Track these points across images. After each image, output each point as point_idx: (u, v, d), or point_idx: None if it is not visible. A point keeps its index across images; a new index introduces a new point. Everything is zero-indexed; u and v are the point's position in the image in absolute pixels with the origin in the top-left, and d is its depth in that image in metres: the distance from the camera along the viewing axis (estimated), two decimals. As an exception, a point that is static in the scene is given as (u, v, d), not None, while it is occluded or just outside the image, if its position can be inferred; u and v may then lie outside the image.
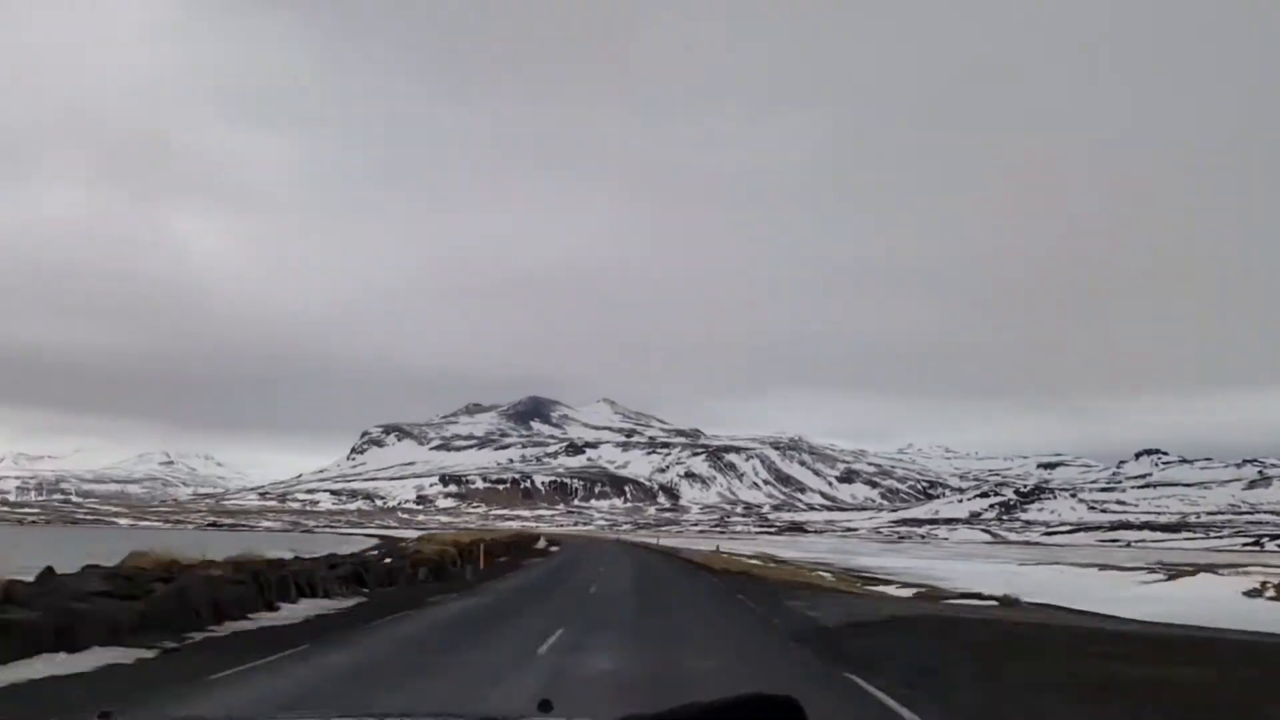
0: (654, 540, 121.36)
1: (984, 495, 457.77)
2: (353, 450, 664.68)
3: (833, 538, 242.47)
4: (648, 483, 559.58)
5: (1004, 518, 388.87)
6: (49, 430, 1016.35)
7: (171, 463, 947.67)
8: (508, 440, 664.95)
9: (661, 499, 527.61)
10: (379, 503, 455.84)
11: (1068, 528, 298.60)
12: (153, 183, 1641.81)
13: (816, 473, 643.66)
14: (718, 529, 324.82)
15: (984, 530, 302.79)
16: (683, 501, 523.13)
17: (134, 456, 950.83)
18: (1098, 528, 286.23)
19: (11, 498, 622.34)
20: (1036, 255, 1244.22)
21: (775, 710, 1.63)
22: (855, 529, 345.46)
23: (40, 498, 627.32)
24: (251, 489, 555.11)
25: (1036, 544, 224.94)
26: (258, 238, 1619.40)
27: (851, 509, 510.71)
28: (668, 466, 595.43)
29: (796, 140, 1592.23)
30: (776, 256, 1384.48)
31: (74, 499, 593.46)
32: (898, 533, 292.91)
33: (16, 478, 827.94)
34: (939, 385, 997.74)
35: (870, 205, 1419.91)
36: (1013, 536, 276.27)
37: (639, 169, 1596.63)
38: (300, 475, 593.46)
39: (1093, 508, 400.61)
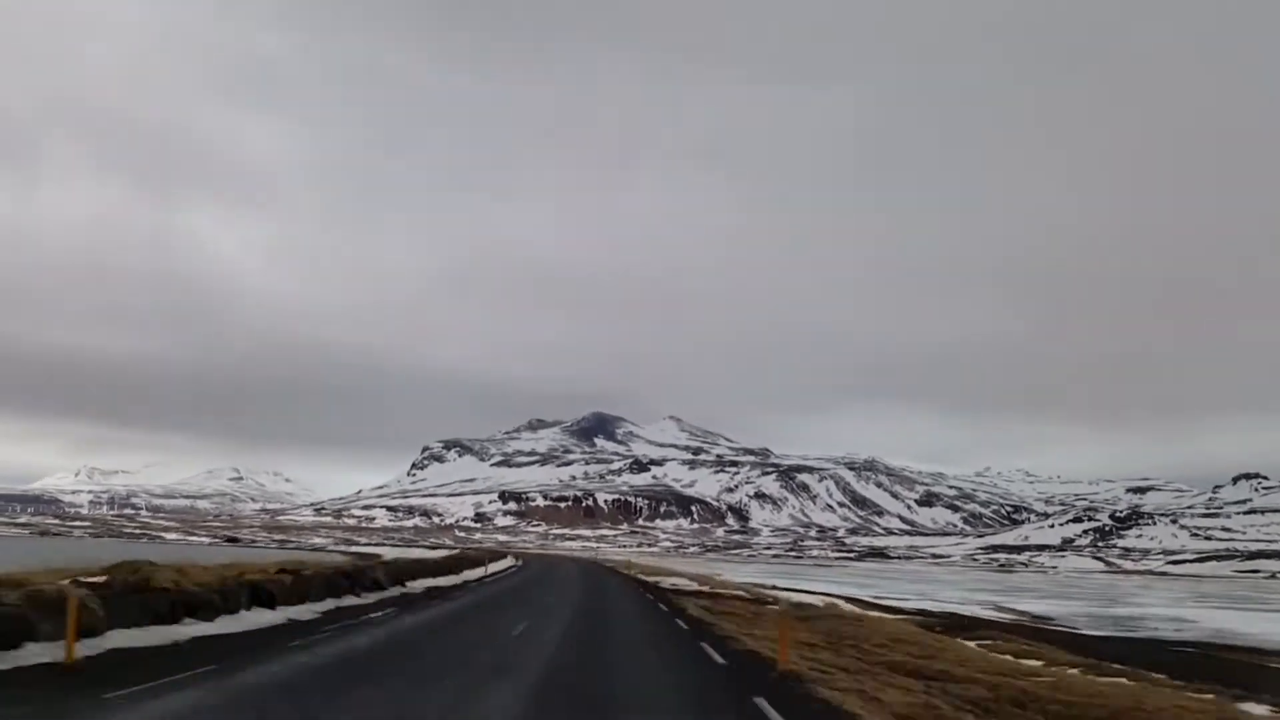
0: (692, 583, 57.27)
1: (1076, 520, 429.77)
2: (414, 466, 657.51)
3: (926, 566, 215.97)
4: (715, 503, 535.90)
5: (1100, 544, 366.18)
6: (122, 445, 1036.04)
7: (241, 478, 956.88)
8: (570, 457, 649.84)
9: (730, 520, 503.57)
10: (436, 520, 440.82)
11: (1191, 555, 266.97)
12: (188, 184, 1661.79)
13: (894, 495, 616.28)
14: (792, 554, 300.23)
15: (1096, 558, 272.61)
16: (753, 523, 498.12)
17: (204, 472, 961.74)
18: (1230, 556, 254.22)
19: (84, 511, 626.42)
20: (1119, 262, 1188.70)
21: None
22: (945, 556, 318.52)
23: (112, 512, 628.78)
24: (309, 505, 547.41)
25: (1164, 574, 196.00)
26: (303, 244, 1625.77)
27: (933, 534, 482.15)
28: (736, 486, 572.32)
29: (854, 124, 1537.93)
30: (841, 265, 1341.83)
31: (144, 514, 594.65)
32: (996, 560, 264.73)
33: (90, 492, 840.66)
34: (1016, 405, 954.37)
35: (940, 203, 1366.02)
36: (1129, 565, 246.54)
37: (697, 167, 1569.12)
38: (360, 491, 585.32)
39: (1195, 534, 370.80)
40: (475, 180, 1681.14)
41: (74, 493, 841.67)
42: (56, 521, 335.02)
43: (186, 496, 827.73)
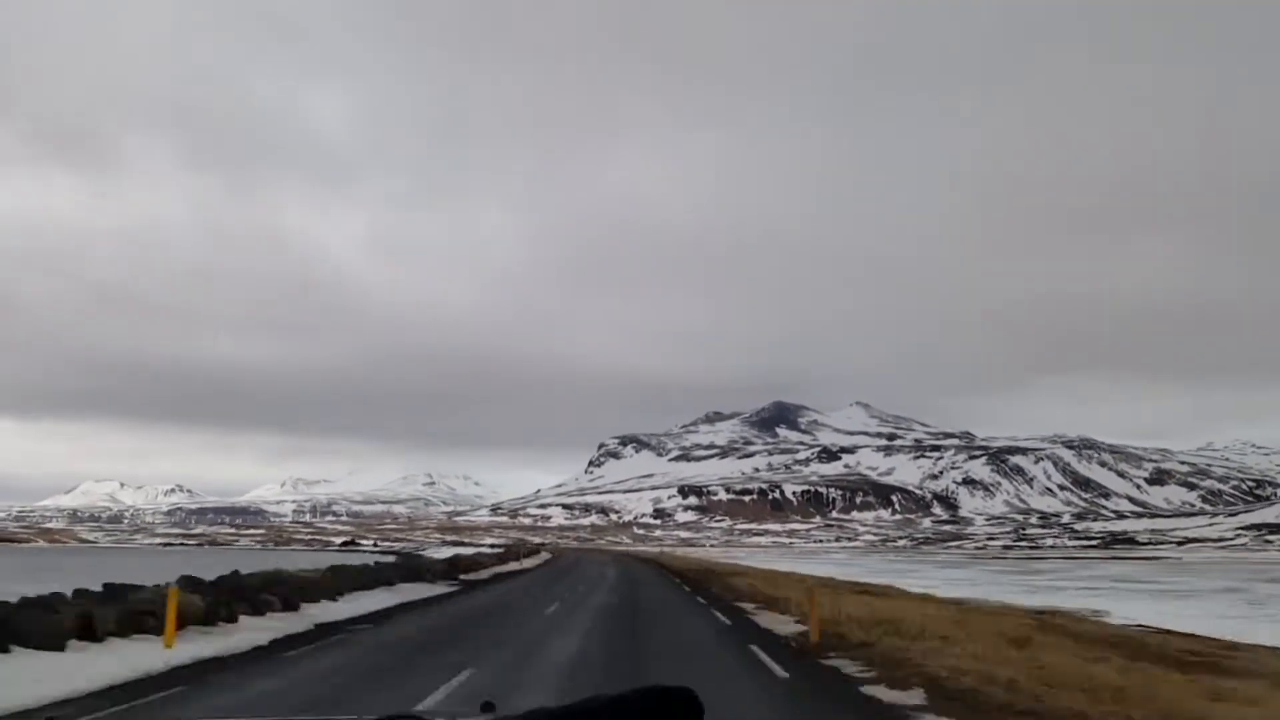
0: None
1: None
2: (590, 463, 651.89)
3: (1235, 554, 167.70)
4: (918, 491, 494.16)
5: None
6: (324, 454, 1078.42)
7: (433, 483, 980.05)
8: (752, 448, 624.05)
9: (936, 509, 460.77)
10: (613, 517, 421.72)
11: None
12: (279, 175, 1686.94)
13: (1120, 474, 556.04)
14: (1023, 544, 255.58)
15: None
16: (963, 512, 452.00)
17: (399, 479, 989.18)
18: None
19: (288, 520, 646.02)
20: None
21: (674, 701, 1.65)
22: (1204, 540, 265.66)
23: (313, 519, 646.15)
24: (487, 506, 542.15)
25: None
26: (414, 237, 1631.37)
27: (1171, 515, 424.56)
28: (941, 472, 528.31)
29: (1009, 56, 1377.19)
30: (1012, 212, 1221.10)
31: (344, 520, 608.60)
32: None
33: (293, 501, 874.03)
34: (1229, 371, 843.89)
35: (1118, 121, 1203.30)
36: None
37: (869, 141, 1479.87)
38: (539, 491, 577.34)
39: None
40: (576, 138, 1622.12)
41: (278, 503, 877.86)
42: (231, 532, 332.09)
43: (383, 502, 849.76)
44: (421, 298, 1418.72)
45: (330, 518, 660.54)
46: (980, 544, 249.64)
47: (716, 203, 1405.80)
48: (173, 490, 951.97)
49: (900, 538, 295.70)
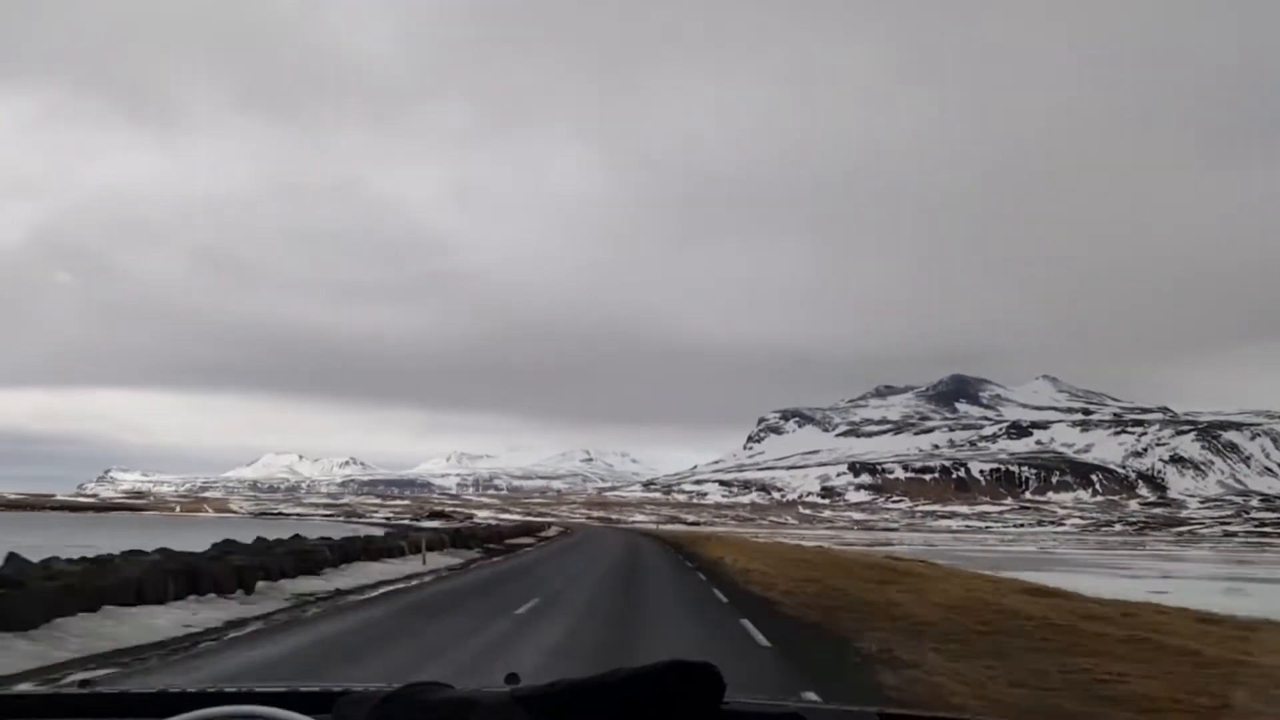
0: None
1: None
2: (749, 439, 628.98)
3: None
4: (1121, 470, 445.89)
5: None
6: (488, 431, 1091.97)
7: (591, 460, 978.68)
8: (930, 424, 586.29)
9: (1142, 490, 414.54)
10: (776, 495, 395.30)
11: None
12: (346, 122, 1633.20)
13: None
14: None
15: None
16: (1172, 493, 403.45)
17: (558, 455, 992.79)
18: None
19: (452, 491, 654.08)
20: None
21: (695, 675, 1.66)
22: None
23: (476, 494, 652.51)
24: (641, 482, 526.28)
25: None
26: (506, 196, 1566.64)
27: None
28: (1144, 449, 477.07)
29: None
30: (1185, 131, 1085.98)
31: (505, 493, 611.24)
32: None
33: (457, 475, 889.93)
34: None
35: None
36: None
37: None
38: (695, 467, 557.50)
39: None
40: (681, 65, 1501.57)
41: (444, 476, 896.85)
42: (376, 502, 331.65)
43: (542, 477, 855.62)
44: (534, 261, 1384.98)
45: (491, 491, 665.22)
46: (1211, 528, 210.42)
47: (856, 140, 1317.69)
48: (347, 463, 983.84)
49: (1112, 522, 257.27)
